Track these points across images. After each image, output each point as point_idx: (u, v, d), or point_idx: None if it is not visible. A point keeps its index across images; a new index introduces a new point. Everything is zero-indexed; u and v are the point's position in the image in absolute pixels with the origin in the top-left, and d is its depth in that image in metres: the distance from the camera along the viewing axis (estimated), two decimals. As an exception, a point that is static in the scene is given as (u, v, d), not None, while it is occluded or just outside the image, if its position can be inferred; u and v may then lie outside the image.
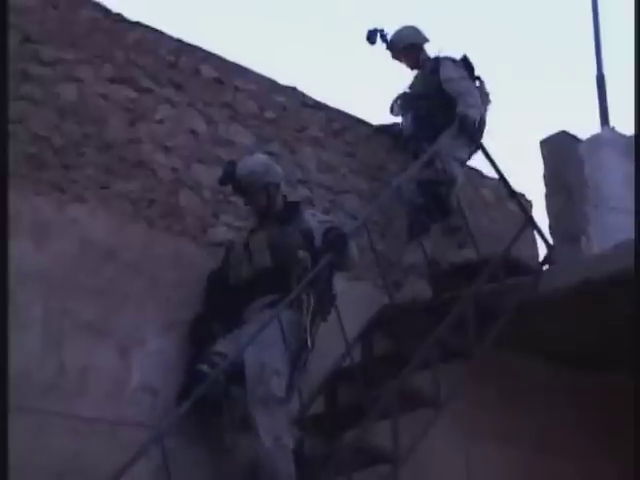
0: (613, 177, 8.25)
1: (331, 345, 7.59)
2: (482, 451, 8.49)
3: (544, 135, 8.74)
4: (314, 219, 7.27)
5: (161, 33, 7.97)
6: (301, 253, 7.00)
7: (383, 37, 8.88)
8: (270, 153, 7.91)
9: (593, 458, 9.02)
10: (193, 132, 7.93)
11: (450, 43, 9.10)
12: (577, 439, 9.06)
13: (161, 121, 7.76)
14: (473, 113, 8.43)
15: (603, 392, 9.10)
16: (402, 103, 9.00)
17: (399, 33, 8.96)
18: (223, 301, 7.19)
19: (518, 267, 8.23)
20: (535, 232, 8.69)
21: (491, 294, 7.86)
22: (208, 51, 8.22)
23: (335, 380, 7.85)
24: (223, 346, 6.82)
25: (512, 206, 8.89)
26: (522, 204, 8.78)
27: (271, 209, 7.35)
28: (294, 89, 8.64)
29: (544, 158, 8.64)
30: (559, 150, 8.56)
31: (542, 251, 8.62)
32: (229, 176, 7.24)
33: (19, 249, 6.80)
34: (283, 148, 8.40)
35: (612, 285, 7.68)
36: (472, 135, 8.39)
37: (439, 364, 7.41)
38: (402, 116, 8.94)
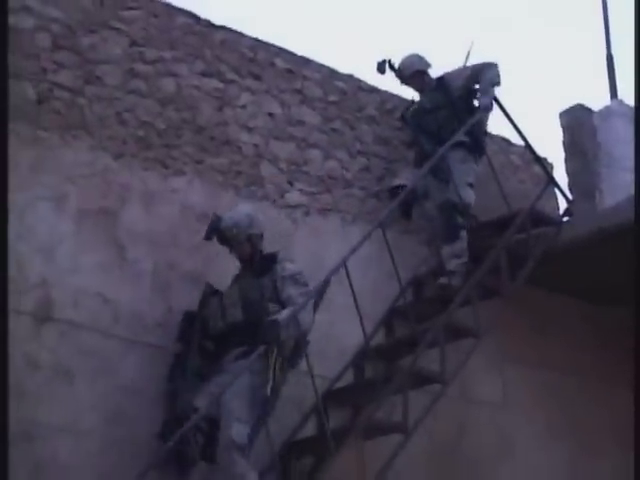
0: (622, 142, 8.20)
1: (387, 289, 7.72)
2: (515, 373, 8.47)
3: (563, 107, 8.72)
4: (281, 273, 6.59)
5: (241, 34, 7.99)
6: (271, 306, 6.40)
7: (391, 66, 8.40)
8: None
9: (609, 379, 8.94)
10: (270, 114, 7.96)
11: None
12: (595, 363, 8.99)
13: (244, 106, 7.81)
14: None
15: (617, 322, 9.02)
16: (412, 117, 8.43)
17: (405, 62, 8.45)
18: (204, 346, 6.60)
19: (542, 219, 8.22)
20: (556, 189, 8.67)
21: (520, 242, 7.89)
22: (280, 47, 8.22)
23: (391, 317, 7.88)
24: (201, 400, 6.23)
25: (537, 168, 8.81)
26: (545, 166, 8.75)
27: (255, 257, 6.77)
28: (352, 76, 8.58)
29: (563, 127, 8.60)
30: (575, 120, 8.52)
31: (562, 205, 8.64)
32: (214, 229, 6.67)
33: (130, 214, 7.00)
34: (344, 125, 8.37)
35: (622, 232, 7.62)
36: (480, 142, 8.15)
37: (479, 301, 7.47)
38: (413, 128, 8.45)
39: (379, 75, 8.35)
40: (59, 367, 6.39)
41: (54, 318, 6.45)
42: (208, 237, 6.67)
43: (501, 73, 8.20)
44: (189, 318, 6.69)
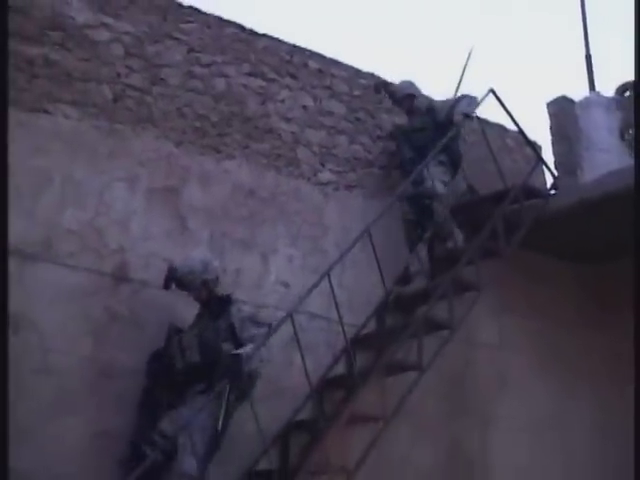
0: (599, 128, 8.13)
1: (403, 252, 7.81)
2: (510, 320, 8.51)
3: (549, 99, 8.68)
4: (238, 315, 6.24)
5: (280, 40, 8.01)
6: (226, 346, 6.04)
7: (386, 88, 8.27)
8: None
9: (589, 326, 8.99)
10: (304, 107, 7.98)
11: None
12: (577, 312, 9.02)
13: (283, 100, 7.85)
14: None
15: (597, 278, 9.06)
16: (402, 134, 8.23)
17: (399, 86, 8.27)
18: (168, 381, 6.18)
19: (533, 192, 8.17)
20: (544, 167, 8.62)
21: (514, 212, 7.88)
22: (312, 50, 8.23)
23: (407, 275, 7.83)
24: (166, 424, 5.95)
25: (528, 150, 8.78)
26: (535, 148, 8.76)
27: (212, 300, 6.38)
28: (373, 74, 8.53)
29: (549, 115, 8.54)
30: (560, 109, 8.43)
31: (549, 181, 8.59)
32: (172, 278, 6.32)
33: (190, 192, 7.08)
34: (366, 115, 8.37)
35: (600, 203, 7.72)
36: (457, 162, 8.01)
37: (480, 261, 7.47)
38: (401, 145, 8.21)
39: (376, 93, 8.33)
40: (133, 318, 6.53)
41: (129, 278, 6.59)
42: (166, 287, 6.34)
43: (476, 105, 8.01)
44: (156, 356, 6.30)
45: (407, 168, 7.89)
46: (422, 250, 7.62)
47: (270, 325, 6.25)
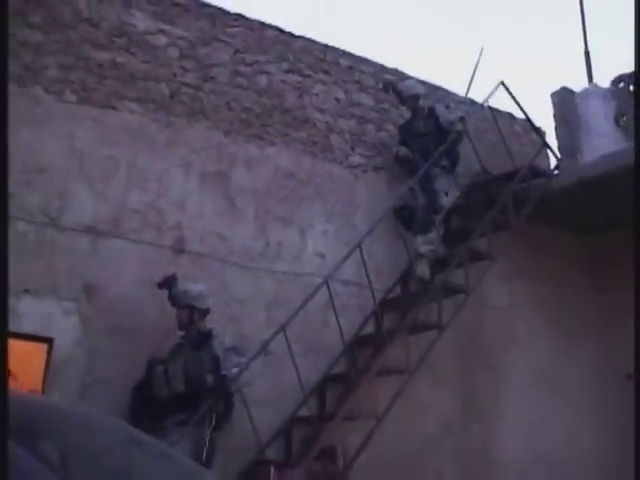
0: (597, 115, 8.06)
1: None
2: (519, 285, 8.52)
3: (553, 90, 8.60)
4: (221, 347, 5.87)
5: (314, 41, 8.02)
6: (209, 378, 5.70)
7: (394, 88, 7.91)
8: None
9: (588, 289, 8.98)
10: (337, 99, 7.99)
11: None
12: (578, 277, 9.01)
13: (317, 94, 7.86)
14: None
15: (595, 248, 9.03)
16: (407, 134, 7.91)
17: (405, 85, 7.95)
18: (150, 410, 5.80)
19: (538, 173, 8.18)
20: (548, 151, 8.60)
21: (522, 190, 7.87)
22: (343, 49, 8.21)
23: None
24: None
25: (534, 135, 8.74)
26: (540, 134, 8.72)
27: (191, 328, 6.02)
28: (396, 69, 8.49)
29: (553, 104, 8.45)
30: (562, 98, 8.33)
31: (553, 162, 8.56)
32: (167, 284, 6.06)
33: (237, 175, 7.15)
34: (391, 106, 8.32)
35: (598, 180, 7.72)
36: (455, 165, 7.77)
37: (492, 233, 7.52)
38: (404, 146, 7.89)
39: (385, 92, 8.05)
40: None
41: (186, 250, 6.70)
42: (160, 285, 6.08)
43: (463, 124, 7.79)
44: (138, 387, 5.92)
45: (408, 167, 7.80)
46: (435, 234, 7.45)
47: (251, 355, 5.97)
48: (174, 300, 6.08)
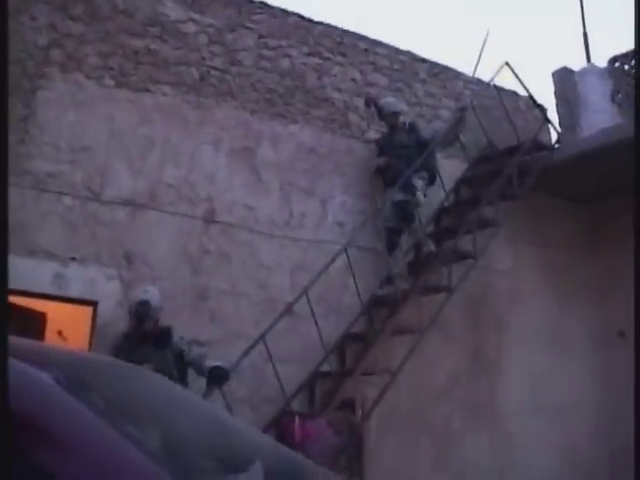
0: (594, 92, 8.00)
1: (436, 196, 7.83)
2: (522, 250, 8.53)
3: (553, 69, 8.54)
4: (183, 341, 5.42)
5: (333, 26, 7.99)
6: (175, 373, 5.20)
7: (375, 104, 7.66)
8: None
9: (586, 253, 8.97)
10: (353, 79, 7.96)
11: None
12: (576, 242, 9.00)
13: (335, 75, 7.84)
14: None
15: (593, 216, 9.01)
16: (388, 146, 7.54)
17: (386, 102, 7.64)
18: None
19: (540, 146, 8.18)
20: (550, 126, 8.56)
21: (526, 162, 7.87)
22: (360, 34, 8.18)
23: (439, 213, 7.97)
24: None
25: (536, 111, 8.68)
26: (542, 109, 8.66)
27: (157, 332, 5.44)
28: (409, 51, 8.47)
29: (554, 82, 8.41)
30: (562, 77, 8.26)
31: (554, 136, 8.51)
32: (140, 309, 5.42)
33: (263, 151, 7.17)
34: (404, 85, 8.31)
35: (596, 153, 7.70)
36: (433, 177, 7.50)
37: (498, 202, 7.54)
38: (388, 155, 7.53)
39: (366, 107, 7.79)
40: (221, 252, 6.72)
41: (216, 220, 6.76)
42: (137, 318, 5.47)
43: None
44: None
45: (389, 174, 7.43)
46: (400, 254, 7.30)
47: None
48: (138, 316, 5.46)
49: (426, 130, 7.74)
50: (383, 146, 7.63)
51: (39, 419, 1.55)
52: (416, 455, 7.24)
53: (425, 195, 7.38)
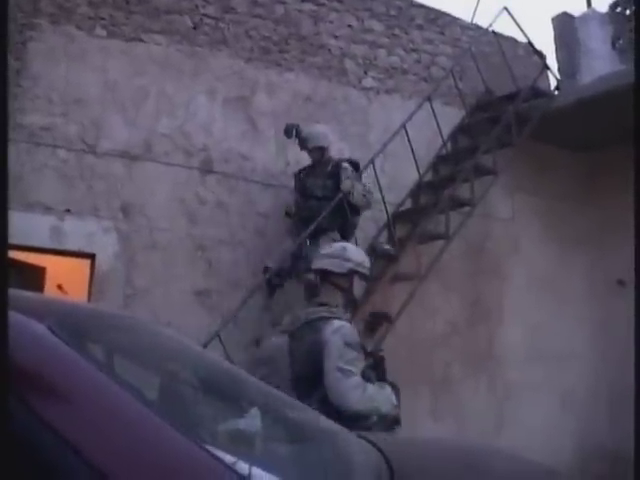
0: (594, 38, 7.91)
1: (435, 143, 7.80)
2: (521, 198, 8.52)
3: (553, 14, 8.45)
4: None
5: None
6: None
7: (298, 133, 6.54)
8: None
9: (584, 202, 8.93)
10: (350, 26, 7.85)
11: None
12: (574, 191, 8.96)
13: (331, 21, 7.72)
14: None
15: (592, 164, 8.96)
16: (302, 186, 6.55)
17: (311, 134, 6.56)
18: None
19: (539, 93, 8.10)
20: (549, 72, 8.50)
21: (524, 109, 7.80)
22: None
23: (437, 162, 7.91)
24: None
25: (535, 58, 8.59)
26: (542, 56, 8.56)
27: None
28: None
29: (554, 28, 8.34)
30: (562, 23, 8.19)
31: (553, 83, 8.47)
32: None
33: (259, 99, 7.11)
34: (401, 31, 8.19)
35: (596, 100, 7.62)
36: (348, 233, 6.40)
37: (496, 149, 7.49)
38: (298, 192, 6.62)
39: (286, 138, 6.68)
40: (217, 201, 6.71)
41: (213, 170, 6.74)
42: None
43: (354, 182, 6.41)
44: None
45: (302, 217, 6.47)
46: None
47: None
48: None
49: (347, 182, 6.38)
50: (303, 182, 6.61)
51: (30, 368, 1.55)
52: (414, 403, 7.30)
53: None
